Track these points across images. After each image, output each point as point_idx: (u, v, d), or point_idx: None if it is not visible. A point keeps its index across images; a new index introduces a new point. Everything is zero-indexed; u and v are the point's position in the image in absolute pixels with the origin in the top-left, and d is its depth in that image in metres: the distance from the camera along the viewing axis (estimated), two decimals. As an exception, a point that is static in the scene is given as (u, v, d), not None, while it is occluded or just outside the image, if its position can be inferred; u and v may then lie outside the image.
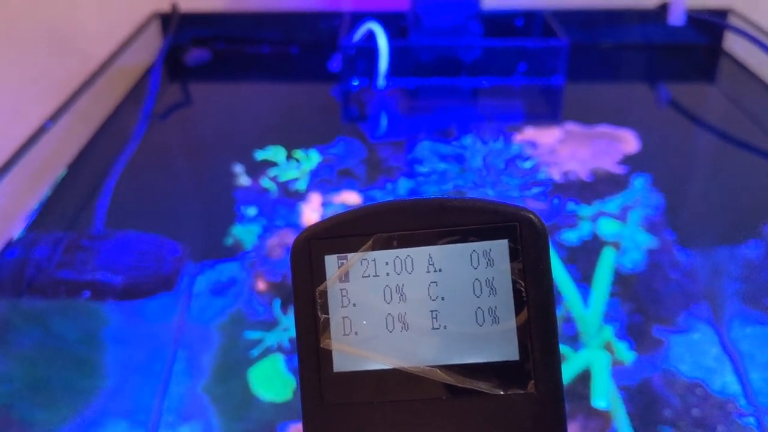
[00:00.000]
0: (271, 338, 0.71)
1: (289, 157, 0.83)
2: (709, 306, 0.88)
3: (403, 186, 0.84)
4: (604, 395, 0.56)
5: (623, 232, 0.75)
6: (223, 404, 0.82)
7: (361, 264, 0.24)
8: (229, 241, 0.77)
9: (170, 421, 0.81)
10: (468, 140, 0.78)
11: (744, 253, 0.90)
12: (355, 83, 0.97)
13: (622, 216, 0.77)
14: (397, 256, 0.24)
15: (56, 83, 0.85)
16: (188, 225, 0.77)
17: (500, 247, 0.23)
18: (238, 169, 0.82)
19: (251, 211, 0.80)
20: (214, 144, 0.90)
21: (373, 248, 0.24)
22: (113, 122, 0.88)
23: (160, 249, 0.64)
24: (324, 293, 0.24)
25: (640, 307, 0.81)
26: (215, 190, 0.81)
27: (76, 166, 0.78)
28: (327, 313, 0.24)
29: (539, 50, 0.94)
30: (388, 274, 0.24)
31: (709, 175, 0.94)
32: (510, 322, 0.23)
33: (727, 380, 0.81)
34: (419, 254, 0.24)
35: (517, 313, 0.23)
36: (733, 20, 1.08)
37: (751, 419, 0.69)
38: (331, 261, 0.24)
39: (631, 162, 0.85)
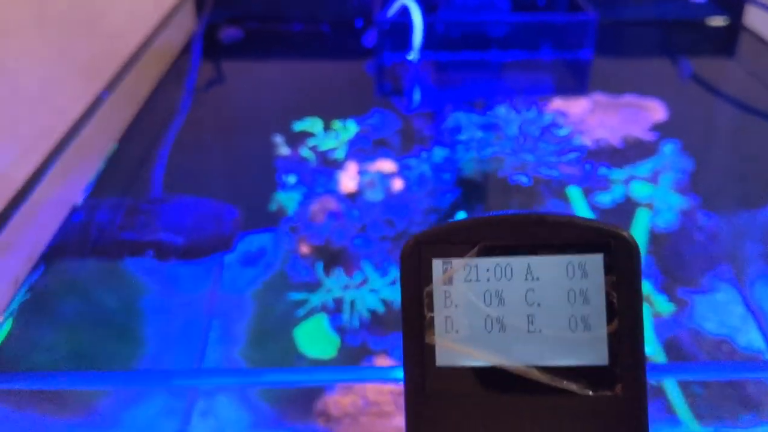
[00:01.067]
0: (315, 299, 0.74)
1: (326, 127, 0.86)
2: (733, 268, 0.90)
3: (438, 154, 0.86)
4: (647, 343, 0.58)
5: (656, 194, 0.77)
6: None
7: (465, 269, 0.26)
8: (273, 206, 0.79)
9: (207, 391, 0.84)
10: (501, 110, 0.80)
11: (764, 216, 0.92)
12: (389, 57, 0.99)
13: (653, 179, 0.79)
14: (498, 264, 0.26)
15: (92, 64, 0.87)
16: (234, 192, 0.79)
17: (595, 260, 0.25)
18: (278, 139, 0.84)
19: (291, 179, 0.83)
20: (253, 117, 0.92)
21: (477, 255, 0.26)
22: (157, 99, 0.91)
23: (219, 211, 0.66)
24: (430, 294, 0.26)
25: (666, 268, 0.83)
26: (257, 160, 0.83)
27: (125, 141, 0.81)
28: (432, 311, 0.26)
29: (567, 24, 0.96)
30: (488, 280, 0.26)
31: (731, 144, 0.96)
32: (601, 330, 0.25)
33: (752, 337, 0.83)
34: (519, 263, 0.25)
35: (609, 322, 0.25)
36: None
37: None
38: (437, 264, 0.26)
39: (660, 129, 0.86)
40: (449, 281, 0.26)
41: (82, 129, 0.71)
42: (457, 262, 0.26)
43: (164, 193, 0.67)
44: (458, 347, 0.26)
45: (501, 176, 0.74)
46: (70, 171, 0.72)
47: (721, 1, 1.11)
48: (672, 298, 0.83)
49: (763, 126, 0.97)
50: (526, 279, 0.26)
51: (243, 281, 0.94)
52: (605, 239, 0.25)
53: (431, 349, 0.26)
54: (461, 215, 0.70)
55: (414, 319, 0.26)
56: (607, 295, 0.25)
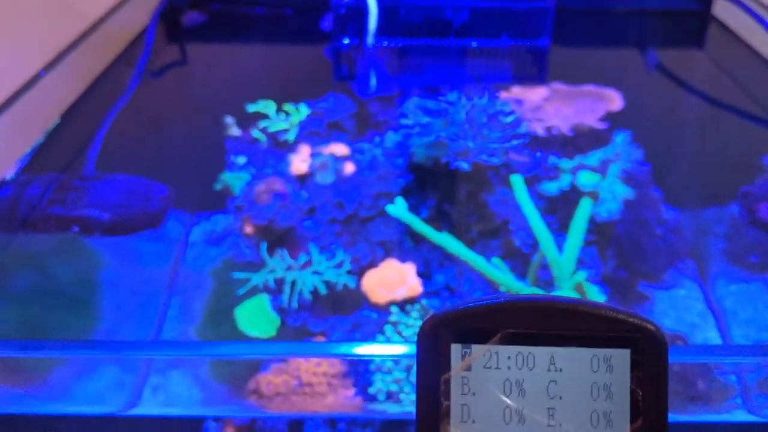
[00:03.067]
0: (257, 278, 0.75)
1: (279, 110, 0.86)
2: (695, 264, 0.90)
3: (390, 139, 0.87)
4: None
5: (602, 184, 0.78)
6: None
7: (485, 356, 0.25)
8: (218, 186, 0.80)
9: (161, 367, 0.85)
10: (453, 96, 0.81)
11: (728, 212, 0.92)
12: (346, 41, 0.99)
13: (601, 169, 0.80)
14: (520, 352, 0.25)
15: (53, 38, 0.88)
16: (179, 171, 0.80)
17: (622, 355, 0.24)
18: (230, 121, 0.85)
19: (241, 159, 0.83)
20: (208, 99, 0.93)
21: (499, 342, 0.25)
22: (108, 77, 0.92)
23: (148, 189, 0.67)
24: (447, 381, 0.25)
25: (625, 262, 0.84)
26: (207, 140, 0.84)
27: (69, 116, 0.81)
28: (448, 399, 0.25)
29: (525, 11, 0.96)
30: (509, 368, 0.25)
31: (692, 135, 0.96)
32: (624, 428, 0.24)
33: (709, 335, 0.83)
34: (542, 353, 0.25)
35: (632, 420, 0.24)
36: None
37: (732, 377, 0.71)
38: (456, 349, 0.25)
39: (613, 119, 0.87)
40: (468, 368, 0.25)
41: (18, 100, 0.72)
42: (477, 349, 0.25)
43: (97, 171, 0.68)
44: None
45: (444, 161, 0.75)
46: (6, 143, 0.73)
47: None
48: (622, 296, 0.84)
49: (724, 118, 0.97)
50: (549, 370, 0.25)
51: (205, 259, 0.95)
52: (633, 334, 0.24)
53: None
54: (400, 201, 0.70)
55: (429, 406, 0.25)
56: (632, 392, 0.24)
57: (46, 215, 0.66)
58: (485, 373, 0.25)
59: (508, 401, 0.25)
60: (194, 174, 0.82)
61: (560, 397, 0.25)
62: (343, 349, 0.58)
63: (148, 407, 0.79)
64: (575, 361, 0.25)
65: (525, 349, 0.25)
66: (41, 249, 0.76)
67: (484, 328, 0.25)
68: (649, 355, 0.24)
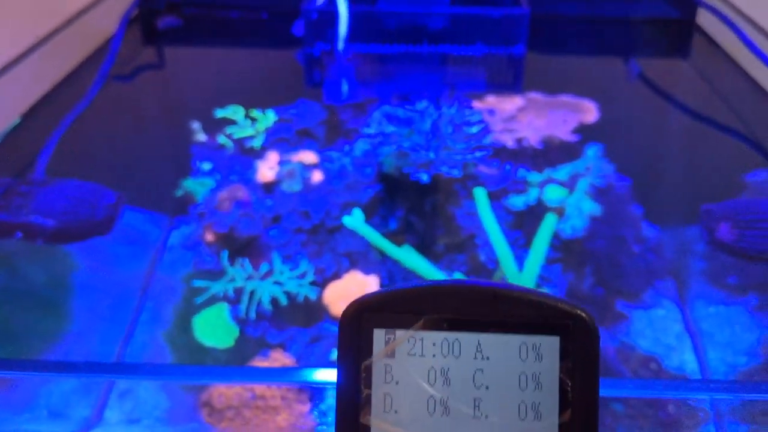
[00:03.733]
0: (217, 287, 0.74)
1: (246, 115, 0.86)
2: (675, 283, 0.89)
3: (360, 148, 0.86)
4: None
5: (568, 199, 0.77)
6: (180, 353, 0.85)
7: (409, 342, 0.24)
8: (179, 193, 0.79)
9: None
10: (422, 105, 0.80)
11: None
12: (317, 47, 0.98)
13: (570, 183, 0.79)
14: (446, 339, 0.24)
15: (19, 35, 0.87)
16: (140, 177, 0.79)
17: (551, 343, 0.24)
18: (196, 126, 0.84)
19: (206, 165, 0.83)
20: (176, 103, 0.92)
21: (423, 328, 0.24)
22: (75, 79, 0.91)
23: (95, 196, 0.67)
24: (369, 368, 0.24)
25: (602, 280, 0.83)
26: (171, 146, 0.83)
27: (30, 116, 0.81)
28: (369, 388, 0.24)
29: (500, 18, 0.95)
30: (434, 356, 0.24)
31: (669, 149, 0.95)
32: (552, 420, 0.24)
33: (685, 358, 0.83)
34: (468, 340, 0.24)
35: (561, 411, 0.23)
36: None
37: (705, 402, 0.70)
38: (379, 335, 0.24)
39: (587, 131, 0.86)
40: (391, 354, 0.24)
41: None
42: (400, 334, 0.24)
43: (46, 176, 0.67)
44: (395, 430, 0.24)
45: (405, 172, 0.74)
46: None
47: None
48: (593, 307, 0.83)
49: (704, 132, 0.96)
50: (475, 358, 0.24)
51: (181, 264, 0.94)
52: (563, 320, 0.24)
53: (366, 429, 0.24)
54: (357, 212, 0.69)
55: (349, 394, 0.24)
56: (562, 382, 0.24)
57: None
58: (409, 360, 0.24)
59: (432, 391, 0.24)
60: (156, 180, 0.82)
61: (487, 387, 0.24)
62: (296, 376, 0.57)
63: (115, 413, 0.78)
64: (503, 349, 0.24)
65: (451, 335, 0.24)
66: (15, 249, 0.76)
67: (409, 314, 0.24)
68: (580, 344, 0.23)
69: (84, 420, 0.80)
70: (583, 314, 0.24)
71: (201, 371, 0.62)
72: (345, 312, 0.25)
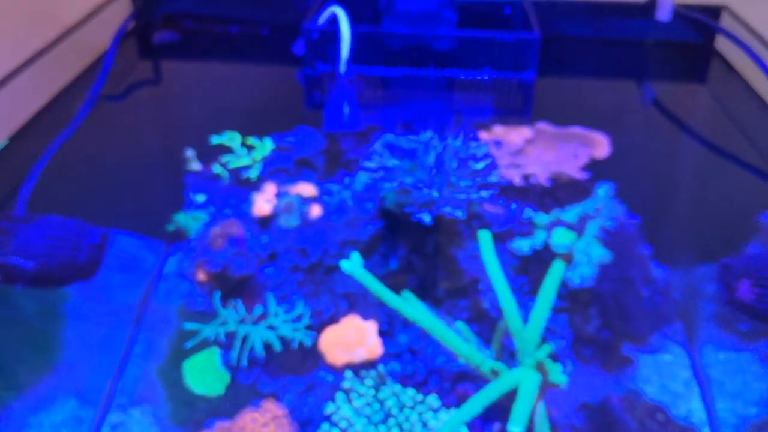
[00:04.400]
0: (208, 331, 0.71)
1: (243, 143, 0.82)
2: (684, 327, 0.87)
3: (361, 181, 0.83)
4: (521, 421, 0.56)
5: (577, 245, 0.74)
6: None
7: None
8: (171, 228, 0.76)
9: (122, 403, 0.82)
10: (426, 135, 0.76)
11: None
12: (318, 68, 0.94)
13: (579, 226, 0.76)
14: None
15: (28, 50, 0.84)
16: (129, 210, 0.76)
17: None
18: (190, 153, 0.81)
19: (200, 197, 0.80)
20: (171, 126, 0.89)
21: None
22: (67, 96, 0.88)
23: (79, 235, 0.63)
24: None
25: (609, 323, 0.80)
26: (165, 175, 0.80)
27: (19, 137, 0.77)
28: None
29: (510, 43, 0.91)
30: None
31: (684, 186, 0.92)
32: None
33: (693, 407, 0.80)
34: None
35: None
36: (725, 19, 1.04)
37: None
38: None
39: (598, 167, 0.82)
40: None
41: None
42: None
43: (28, 212, 0.64)
44: None
45: (407, 211, 0.71)
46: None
47: (691, 22, 1.06)
48: (604, 359, 0.81)
49: (720, 166, 0.93)
50: None
51: (176, 293, 0.92)
52: None
53: None
54: (355, 256, 0.66)
55: None
56: None
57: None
58: None
59: None
60: (146, 214, 0.79)
61: None
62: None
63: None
64: None
65: None
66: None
67: None
68: None
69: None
70: None
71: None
72: None
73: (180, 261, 0.89)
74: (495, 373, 0.68)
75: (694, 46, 1.08)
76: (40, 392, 0.86)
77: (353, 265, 0.68)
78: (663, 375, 0.84)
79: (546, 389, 0.66)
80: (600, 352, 0.82)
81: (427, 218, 0.70)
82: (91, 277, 0.64)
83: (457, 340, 0.68)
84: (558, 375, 0.65)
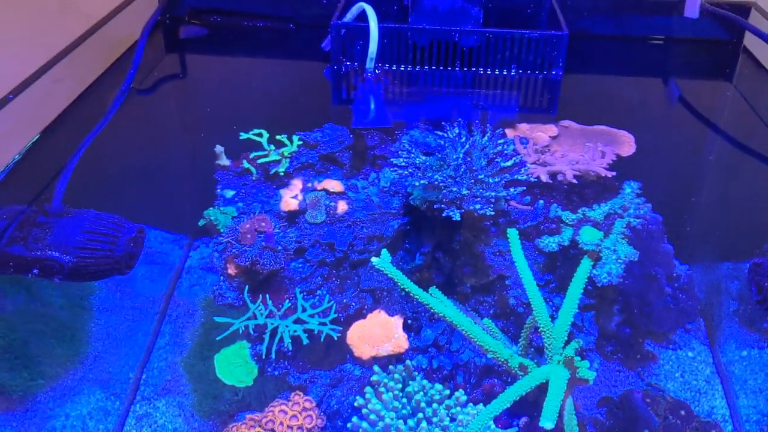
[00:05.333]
0: (238, 324, 0.72)
1: (271, 139, 0.83)
2: (705, 324, 0.87)
3: (386, 177, 0.84)
4: (552, 416, 0.57)
5: (604, 242, 0.74)
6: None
7: None
8: (202, 222, 0.78)
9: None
10: (453, 133, 0.77)
11: (743, 269, 0.88)
12: (345, 64, 0.95)
13: (606, 224, 0.76)
14: None
15: (59, 43, 0.85)
16: (162, 205, 0.78)
17: None
18: (219, 149, 0.82)
19: (229, 193, 0.81)
20: (200, 121, 0.90)
21: None
22: (99, 90, 0.89)
23: (116, 230, 0.64)
24: None
25: (631, 319, 0.81)
26: (195, 169, 0.81)
27: (51, 132, 0.79)
28: None
29: (537, 39, 0.92)
30: None
31: (710, 184, 0.92)
32: None
33: (715, 404, 0.81)
34: None
35: None
36: (754, 17, 1.03)
37: None
38: None
39: (624, 165, 0.83)
40: None
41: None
42: None
43: (64, 206, 0.65)
44: None
45: (436, 208, 0.72)
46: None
47: (719, 18, 1.05)
48: (626, 355, 0.81)
49: (746, 163, 0.93)
50: None
51: (200, 287, 0.94)
52: None
53: None
54: (385, 253, 0.67)
55: None
56: None
57: (4, 254, 0.63)
58: None
59: None
60: (178, 208, 0.80)
61: None
62: None
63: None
64: None
65: None
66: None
67: None
68: None
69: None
70: None
71: None
72: None
73: (209, 255, 0.90)
74: (523, 369, 0.69)
75: (721, 43, 1.07)
76: (67, 384, 0.88)
77: (383, 261, 0.68)
78: (686, 371, 0.84)
79: (574, 385, 0.67)
80: (623, 347, 0.83)
81: (456, 215, 0.71)
82: (128, 271, 0.65)
83: (485, 335, 0.69)
84: (586, 371, 0.66)
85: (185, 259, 0.94)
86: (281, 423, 0.70)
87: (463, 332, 0.67)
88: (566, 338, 0.68)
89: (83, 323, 0.91)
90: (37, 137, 0.81)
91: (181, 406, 0.84)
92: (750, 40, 1.04)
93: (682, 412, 0.78)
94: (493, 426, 0.67)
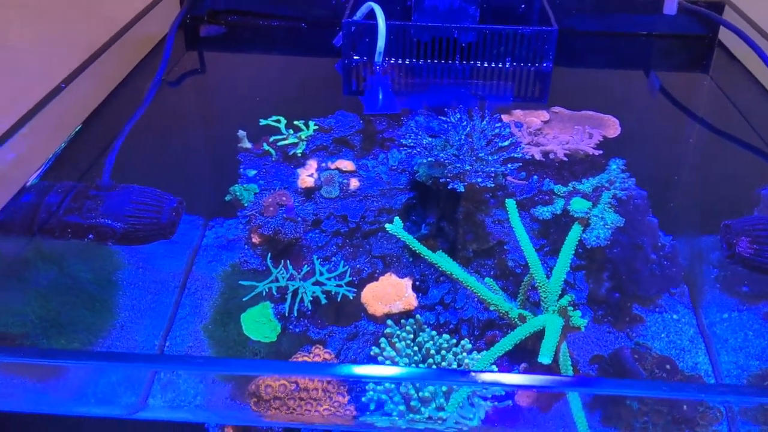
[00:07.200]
0: (261, 286, 0.81)
1: (289, 125, 0.92)
2: (689, 290, 0.95)
3: (394, 157, 0.93)
4: (549, 354, 0.65)
5: (593, 211, 0.83)
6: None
7: None
8: (228, 197, 0.86)
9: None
10: (455, 118, 0.86)
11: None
12: (356, 58, 1.05)
13: (594, 195, 0.85)
14: None
15: (83, 44, 0.94)
16: (192, 181, 0.86)
17: None
18: (242, 134, 0.91)
19: (251, 172, 0.89)
20: (222, 110, 0.99)
21: None
22: (129, 85, 0.98)
23: (159, 201, 0.73)
24: None
25: (620, 285, 0.89)
26: (220, 152, 0.90)
27: (90, 122, 0.88)
28: None
29: (530, 35, 1.01)
30: None
31: (689, 164, 1.01)
32: None
33: (699, 360, 0.89)
34: None
35: None
36: (727, 13, 1.13)
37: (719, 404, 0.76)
38: None
39: (610, 145, 0.92)
40: None
41: (42, 110, 0.79)
42: None
43: (112, 181, 0.74)
44: None
45: (442, 182, 0.81)
46: (31, 149, 0.79)
47: (695, 15, 1.15)
48: (611, 310, 0.89)
49: (722, 146, 1.02)
50: None
51: (216, 263, 1.01)
52: None
53: None
54: (397, 221, 0.76)
55: None
56: None
57: (63, 222, 0.72)
58: None
59: None
60: (207, 185, 0.89)
61: None
62: (337, 370, 0.64)
63: (158, 401, 0.85)
64: None
65: None
66: (63, 246, 0.83)
67: None
68: None
69: (130, 405, 0.87)
70: None
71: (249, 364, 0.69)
72: None
73: (223, 235, 0.99)
74: (522, 319, 0.77)
75: (698, 38, 1.17)
76: (98, 350, 0.95)
77: (396, 227, 0.77)
78: (671, 332, 0.92)
79: (568, 332, 0.75)
80: (612, 311, 0.91)
81: (460, 187, 0.80)
82: (171, 236, 0.74)
83: (487, 291, 0.78)
84: (578, 319, 0.74)
85: (202, 238, 1.02)
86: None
87: (468, 288, 0.76)
88: (560, 292, 0.77)
89: (110, 296, 0.99)
90: (79, 127, 0.90)
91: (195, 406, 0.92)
92: (724, 35, 1.14)
93: (668, 366, 0.86)
94: (495, 369, 0.75)
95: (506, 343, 0.71)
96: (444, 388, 0.69)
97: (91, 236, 0.70)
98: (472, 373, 0.60)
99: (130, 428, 0.86)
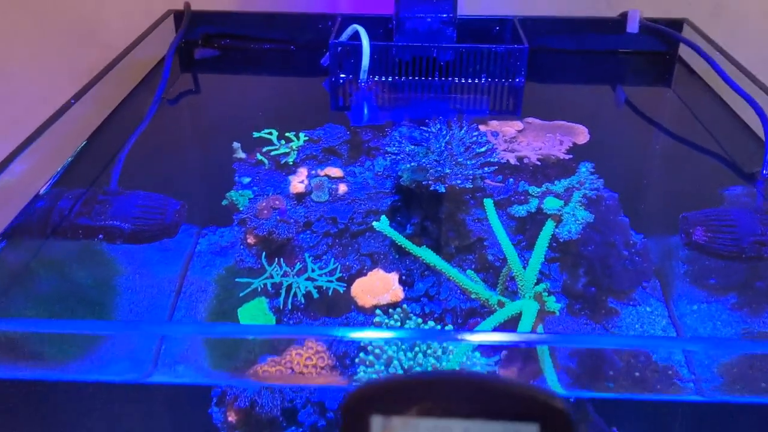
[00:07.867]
0: (257, 283, 0.86)
1: (280, 137, 0.99)
2: (660, 284, 1.02)
3: (380, 164, 1.00)
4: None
5: (565, 208, 0.90)
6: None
7: (404, 427, 0.27)
8: (225, 203, 0.92)
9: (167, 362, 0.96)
10: (436, 128, 0.94)
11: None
12: (342, 76, 1.13)
13: (565, 195, 0.92)
14: (437, 425, 0.26)
15: (82, 70, 1.01)
16: (191, 189, 0.92)
17: (531, 430, 0.26)
18: (236, 145, 0.97)
19: (246, 179, 0.96)
20: (218, 125, 1.06)
21: (417, 414, 0.26)
22: (129, 104, 1.05)
23: (163, 204, 0.80)
24: None
25: (595, 280, 0.95)
26: (216, 162, 0.96)
27: (94, 138, 0.94)
28: None
29: (503, 53, 1.10)
30: None
31: (654, 168, 1.08)
32: None
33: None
34: (457, 426, 0.26)
35: None
36: (686, 31, 1.23)
37: (690, 384, 0.82)
38: (377, 421, 0.27)
39: (579, 151, 0.99)
40: None
41: (52, 125, 0.85)
42: (397, 420, 0.27)
43: (119, 187, 0.81)
44: None
45: (425, 184, 0.87)
46: (38, 161, 0.85)
47: (657, 33, 1.25)
48: (587, 304, 0.95)
49: (684, 152, 1.10)
50: None
51: (210, 268, 1.07)
52: (542, 409, 0.26)
53: None
54: (384, 219, 0.82)
55: None
56: None
57: (74, 225, 0.78)
58: None
59: None
60: (204, 191, 0.95)
61: None
62: (333, 332, 0.69)
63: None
64: None
65: (441, 422, 0.27)
66: (66, 255, 0.88)
67: (404, 401, 0.27)
68: (557, 429, 0.27)
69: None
70: (559, 405, 0.27)
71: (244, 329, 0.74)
72: (347, 400, 0.28)
73: (216, 242, 1.04)
74: (501, 305, 0.83)
75: (660, 54, 1.27)
76: (97, 356, 0.99)
77: (383, 225, 0.84)
78: (644, 323, 0.98)
79: (544, 315, 0.81)
80: (589, 305, 0.97)
81: (441, 188, 0.87)
82: (174, 235, 0.80)
83: (470, 282, 0.84)
84: (553, 304, 0.80)
85: (195, 245, 1.08)
86: (298, 363, 0.82)
87: (451, 279, 0.82)
88: (536, 281, 0.83)
89: (110, 300, 1.04)
90: (84, 143, 0.96)
91: (199, 369, 0.96)
92: (684, 51, 1.24)
93: (642, 357, 0.92)
94: (478, 354, 0.80)
95: (486, 326, 0.77)
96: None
97: (100, 236, 0.76)
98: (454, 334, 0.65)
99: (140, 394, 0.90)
